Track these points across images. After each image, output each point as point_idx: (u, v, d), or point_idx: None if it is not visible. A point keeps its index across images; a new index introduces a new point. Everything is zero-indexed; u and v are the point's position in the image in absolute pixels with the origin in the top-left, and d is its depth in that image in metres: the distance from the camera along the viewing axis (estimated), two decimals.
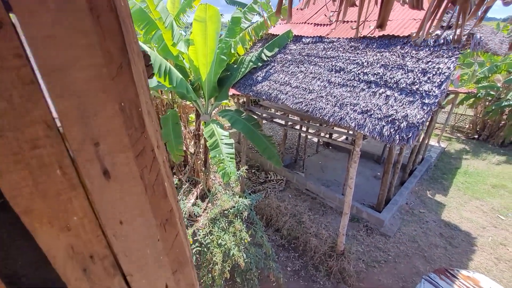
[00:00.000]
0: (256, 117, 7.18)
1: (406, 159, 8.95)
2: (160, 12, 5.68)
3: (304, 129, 8.60)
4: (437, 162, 10.38)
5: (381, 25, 0.79)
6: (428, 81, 4.06)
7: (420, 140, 8.92)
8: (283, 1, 0.93)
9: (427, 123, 8.65)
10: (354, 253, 6.13)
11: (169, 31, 5.84)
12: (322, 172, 9.32)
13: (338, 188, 8.30)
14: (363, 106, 4.37)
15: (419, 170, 9.19)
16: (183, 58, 6.72)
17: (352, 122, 4.32)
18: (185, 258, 0.87)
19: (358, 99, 4.53)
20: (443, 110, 10.63)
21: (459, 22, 0.85)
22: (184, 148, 8.04)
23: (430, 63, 4.23)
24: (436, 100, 3.85)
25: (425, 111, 3.83)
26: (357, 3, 0.87)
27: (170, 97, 8.17)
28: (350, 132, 5.43)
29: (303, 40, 6.47)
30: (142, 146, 0.66)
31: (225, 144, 5.73)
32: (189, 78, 7.06)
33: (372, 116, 4.20)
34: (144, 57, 0.69)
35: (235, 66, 7.01)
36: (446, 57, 4.12)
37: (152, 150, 0.68)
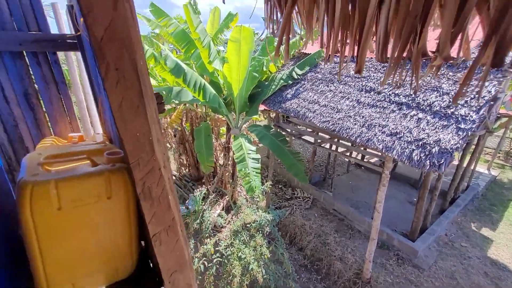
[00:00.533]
0: (284, 133, 7.29)
1: (447, 185, 8.22)
2: (199, 33, 6.23)
3: (333, 147, 8.45)
4: (485, 191, 9.33)
5: (358, 71, 0.89)
6: (465, 105, 3.82)
7: (464, 166, 8.16)
8: (281, 42, 1.07)
9: (473, 148, 7.92)
10: (382, 283, 5.73)
11: (206, 50, 6.35)
12: (352, 193, 8.96)
13: (368, 211, 7.90)
14: (392, 128, 4.24)
15: (462, 199, 8.35)
16: (218, 75, 7.19)
17: (379, 144, 4.21)
18: (184, 261, 1.02)
19: (388, 120, 4.41)
20: (495, 134, 9.63)
21: (413, 76, 0.92)
22: (214, 160, 8.42)
23: (468, 86, 3.98)
24: (474, 125, 3.60)
25: (461, 137, 3.60)
26: (340, 49, 0.98)
27: (204, 111, 8.69)
28: (380, 154, 5.24)
29: (335, 59, 6.52)
30: (151, 166, 0.84)
31: (252, 158, 5.92)
32: (222, 93, 7.49)
33: (402, 139, 4.05)
34: (157, 97, 0.89)
35: (266, 83, 7.28)
36: (487, 80, 3.86)
37: (159, 169, 0.86)
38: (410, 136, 3.99)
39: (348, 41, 0.94)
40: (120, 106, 0.74)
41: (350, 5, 0.85)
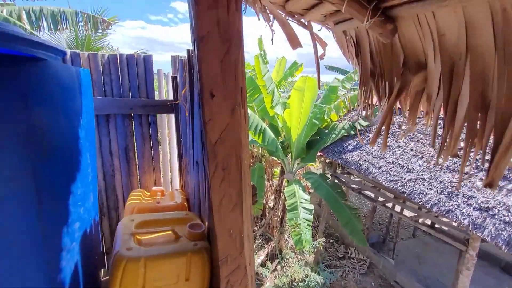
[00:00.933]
0: (341, 184, 6.83)
1: None
2: (265, 80, 6.64)
3: (397, 208, 7.48)
4: None
5: (490, 184, 0.72)
6: None
7: None
8: (379, 132, 0.98)
9: None
10: None
11: (270, 96, 6.67)
12: (419, 265, 7.57)
13: None
14: (483, 202, 3.55)
15: None
16: (278, 119, 7.38)
17: (464, 219, 3.53)
18: None
19: (475, 191, 3.73)
20: None
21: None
22: (264, 202, 8.27)
23: None
24: None
25: None
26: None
27: (260, 151, 8.87)
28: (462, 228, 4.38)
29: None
30: (238, 263, 0.79)
31: (304, 208, 5.61)
32: (280, 137, 7.59)
33: (496, 217, 3.33)
34: (252, 189, 0.87)
35: (326, 131, 7.14)
36: None
37: (245, 267, 0.80)
38: (508, 216, 3.25)
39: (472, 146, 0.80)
40: (220, 203, 0.73)
41: (480, 110, 0.73)
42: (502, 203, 3.41)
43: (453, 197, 3.83)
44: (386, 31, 0.79)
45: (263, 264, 6.85)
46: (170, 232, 1.03)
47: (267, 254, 7.41)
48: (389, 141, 5.58)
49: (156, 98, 1.84)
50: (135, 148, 1.75)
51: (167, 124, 1.84)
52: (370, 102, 1.11)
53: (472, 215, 3.49)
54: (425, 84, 0.88)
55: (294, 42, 1.05)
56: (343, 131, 6.62)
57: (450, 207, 3.75)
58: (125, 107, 1.65)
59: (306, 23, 1.04)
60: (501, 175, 0.74)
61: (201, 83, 0.65)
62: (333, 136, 6.68)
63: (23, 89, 0.82)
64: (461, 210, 3.63)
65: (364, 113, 1.19)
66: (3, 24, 0.80)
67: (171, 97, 1.82)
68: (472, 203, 3.62)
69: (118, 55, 1.65)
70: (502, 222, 3.25)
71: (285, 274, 5.24)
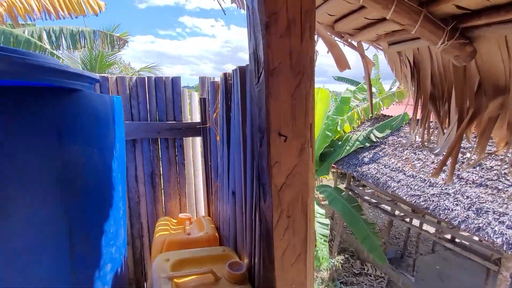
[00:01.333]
0: (357, 197, 6.62)
1: None
2: None
3: (416, 222, 7.17)
4: None
5: None
6: None
7: None
8: (446, 163, 0.88)
9: None
10: None
11: None
12: (441, 282, 7.18)
13: None
14: None
15: None
16: None
17: (497, 238, 3.30)
18: None
19: (507, 207, 3.51)
20: None
21: None
22: None
23: None
24: None
25: None
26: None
27: None
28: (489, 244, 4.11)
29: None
30: None
31: (320, 223, 5.42)
32: None
33: None
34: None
35: (339, 143, 6.99)
36: None
37: None
38: None
39: None
40: (283, 255, 0.63)
41: None
42: None
43: (483, 213, 3.61)
44: (464, 53, 0.70)
45: None
46: (210, 274, 0.94)
47: None
48: (408, 153, 5.41)
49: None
50: (161, 173, 1.68)
51: (192, 146, 1.77)
52: (427, 126, 1.02)
53: (506, 234, 3.27)
54: (502, 109, 0.78)
55: (342, 63, 0.98)
56: (357, 143, 6.46)
57: (480, 225, 3.53)
58: (152, 131, 1.59)
59: (355, 44, 0.97)
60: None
61: (268, 121, 0.57)
62: (347, 148, 6.53)
63: (58, 123, 0.76)
64: (492, 228, 3.41)
65: (420, 137, 1.09)
66: (41, 56, 0.75)
67: (194, 118, 1.77)
68: (504, 220, 3.40)
69: (146, 78, 1.61)
70: None
71: None
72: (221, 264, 1.00)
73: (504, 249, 3.23)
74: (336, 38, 0.99)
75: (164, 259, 0.97)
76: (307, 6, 0.55)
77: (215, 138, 1.37)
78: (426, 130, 1.03)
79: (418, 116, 1.11)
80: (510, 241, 3.21)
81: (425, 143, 1.06)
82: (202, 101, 1.58)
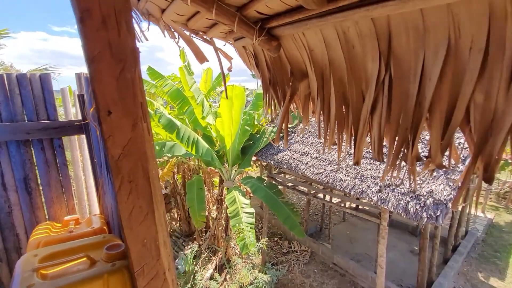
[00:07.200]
0: (278, 184, 7.26)
1: (446, 231, 8.07)
2: (193, 91, 6.61)
3: (327, 198, 8.38)
4: (485, 236, 9.17)
5: (356, 162, 0.96)
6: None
7: (459, 210, 8.14)
8: (281, 131, 1.15)
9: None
10: None
11: (200, 107, 6.66)
12: (351, 244, 8.60)
13: (370, 264, 7.50)
14: (386, 180, 4.32)
15: (464, 246, 8.12)
16: (211, 129, 7.40)
17: (374, 196, 4.22)
18: None
19: (379, 172, 4.51)
20: None
21: None
22: (206, 213, 8.11)
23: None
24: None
25: (452, 187, 3.68)
26: (337, 142, 1.07)
27: (197, 163, 8.69)
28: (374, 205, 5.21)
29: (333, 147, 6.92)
30: (156, 271, 0.80)
31: (246, 213, 5.75)
32: (215, 146, 7.61)
33: (395, 190, 4.10)
34: (165, 197, 0.90)
35: (257, 135, 7.51)
36: None
37: (163, 273, 0.82)
38: (403, 187, 4.05)
39: (344, 134, 1.03)
40: (130, 215, 0.74)
41: (344, 107, 0.95)
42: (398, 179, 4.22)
43: (364, 179, 4.54)
44: (271, 47, 0.94)
45: (211, 277, 6.69)
46: (85, 258, 0.97)
47: (216, 267, 7.26)
48: (312, 138, 6.24)
49: (62, 119, 1.65)
50: (38, 178, 1.52)
51: (79, 146, 1.66)
52: (273, 107, 1.29)
53: (379, 192, 4.21)
54: (309, 89, 1.08)
55: (200, 57, 1.13)
56: (272, 134, 7.07)
57: (363, 189, 4.43)
58: (19, 133, 1.42)
59: (209, 40, 1.14)
60: (362, 154, 0.97)
61: (96, 101, 0.66)
62: (265, 139, 7.08)
63: None
64: (371, 190, 4.33)
65: (269, 116, 1.36)
66: None
67: (79, 117, 1.67)
68: (378, 182, 4.36)
69: (5, 75, 1.41)
70: (399, 194, 4.02)
71: (234, 281, 5.24)
72: (101, 250, 1.04)
73: (378, 203, 4.15)
74: (192, 35, 1.15)
75: (32, 255, 0.94)
76: (120, 5, 0.67)
77: (96, 134, 1.36)
78: (272, 110, 1.31)
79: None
80: (382, 197, 4.15)
81: (273, 119, 1.34)
82: (80, 98, 1.51)
